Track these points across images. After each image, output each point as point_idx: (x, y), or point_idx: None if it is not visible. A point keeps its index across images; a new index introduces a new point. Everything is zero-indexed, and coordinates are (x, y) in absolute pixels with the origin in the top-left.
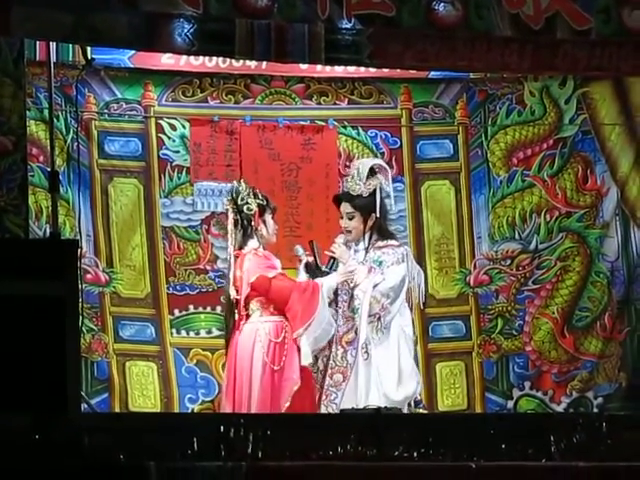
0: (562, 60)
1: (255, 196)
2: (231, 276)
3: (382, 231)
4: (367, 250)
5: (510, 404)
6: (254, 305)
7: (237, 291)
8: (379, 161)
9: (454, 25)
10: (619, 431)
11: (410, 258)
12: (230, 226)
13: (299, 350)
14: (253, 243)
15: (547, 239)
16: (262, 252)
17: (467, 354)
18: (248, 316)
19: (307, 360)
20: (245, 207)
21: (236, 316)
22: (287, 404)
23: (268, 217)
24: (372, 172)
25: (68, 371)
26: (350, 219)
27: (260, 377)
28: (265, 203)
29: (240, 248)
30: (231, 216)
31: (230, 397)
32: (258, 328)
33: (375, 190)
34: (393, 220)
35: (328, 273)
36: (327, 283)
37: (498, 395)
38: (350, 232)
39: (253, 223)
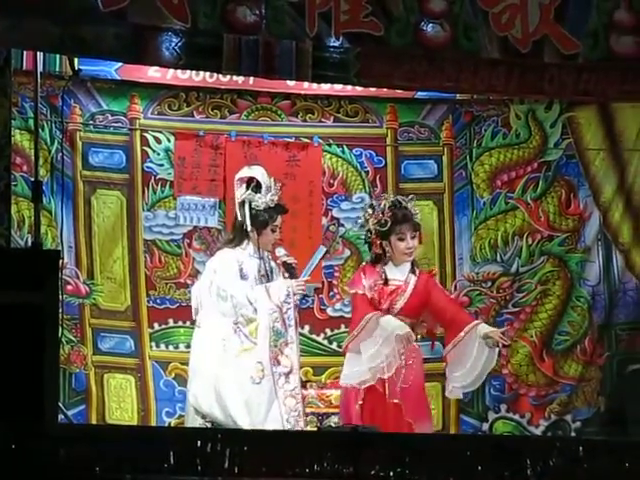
0: (549, 84)
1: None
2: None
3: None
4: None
5: (485, 426)
6: None
7: None
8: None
9: (442, 46)
10: (596, 456)
11: None
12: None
13: None
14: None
15: (528, 262)
16: None
17: (443, 375)
18: None
19: None
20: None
21: None
22: None
23: None
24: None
25: (46, 382)
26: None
27: None
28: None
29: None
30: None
31: None
32: None
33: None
34: None
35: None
36: None
37: (473, 417)
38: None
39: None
